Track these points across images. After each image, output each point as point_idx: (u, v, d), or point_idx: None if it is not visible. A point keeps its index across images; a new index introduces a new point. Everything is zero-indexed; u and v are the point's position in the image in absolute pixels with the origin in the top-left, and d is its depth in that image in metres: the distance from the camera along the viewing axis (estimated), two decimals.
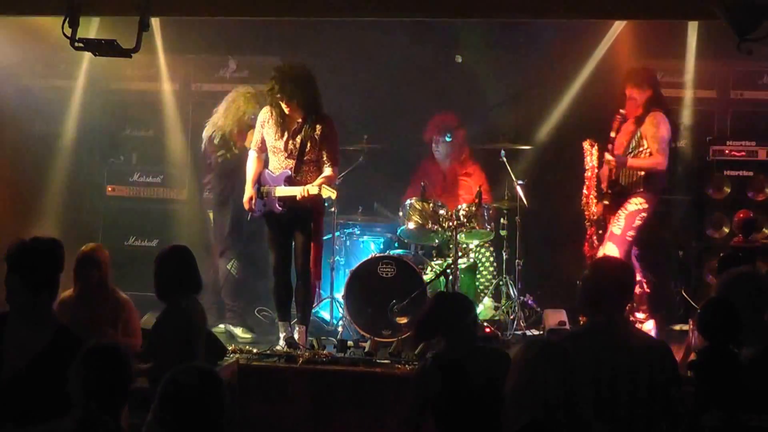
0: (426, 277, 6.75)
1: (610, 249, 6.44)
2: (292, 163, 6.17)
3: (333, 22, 7.18)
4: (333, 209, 7.19)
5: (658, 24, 7.14)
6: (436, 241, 7.14)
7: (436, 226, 6.88)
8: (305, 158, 6.18)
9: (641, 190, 6.49)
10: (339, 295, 6.97)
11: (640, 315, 6.53)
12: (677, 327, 7.02)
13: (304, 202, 6.08)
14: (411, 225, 6.92)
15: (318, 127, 6.14)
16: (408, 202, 6.98)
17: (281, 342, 6.27)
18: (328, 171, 6.17)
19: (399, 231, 7.09)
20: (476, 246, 7.35)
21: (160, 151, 8.29)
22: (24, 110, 7.91)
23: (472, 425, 3.74)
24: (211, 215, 7.19)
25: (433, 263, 7.10)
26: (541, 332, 6.84)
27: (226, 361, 5.70)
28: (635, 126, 6.56)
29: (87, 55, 7.38)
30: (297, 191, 6.05)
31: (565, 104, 7.87)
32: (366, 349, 6.18)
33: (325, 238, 7.02)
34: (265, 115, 6.29)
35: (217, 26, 7.64)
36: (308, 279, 6.27)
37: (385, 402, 5.73)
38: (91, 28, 6.92)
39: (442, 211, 6.91)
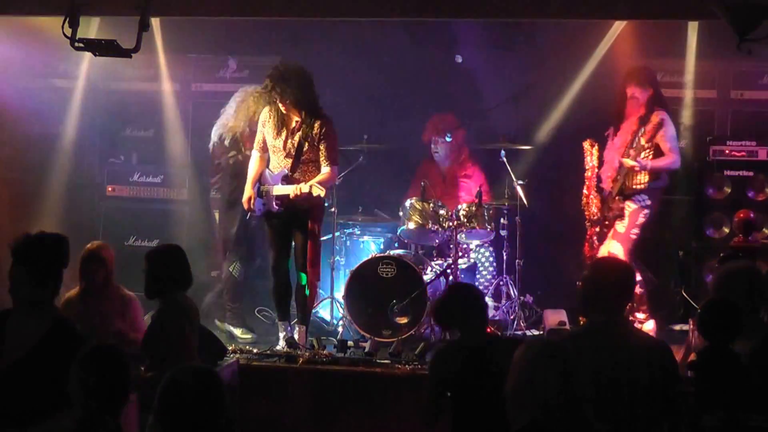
0: (426, 277, 6.76)
1: (614, 247, 6.44)
2: (289, 162, 6.18)
3: (333, 22, 7.19)
4: (333, 209, 7.19)
5: (658, 24, 7.14)
6: (436, 241, 7.14)
7: (436, 226, 6.88)
8: (303, 157, 6.18)
9: (645, 187, 6.50)
10: (339, 295, 6.98)
11: (640, 315, 6.52)
12: (677, 327, 7.01)
13: (302, 202, 6.08)
14: (411, 225, 6.92)
15: (316, 126, 6.14)
16: (408, 202, 6.98)
17: (281, 341, 6.28)
18: (326, 170, 6.16)
19: (399, 231, 7.09)
20: (476, 246, 7.35)
21: (160, 151, 8.28)
22: (24, 110, 7.91)
23: (489, 411, 3.79)
24: (216, 215, 7.17)
25: (433, 263, 7.11)
26: (541, 332, 6.84)
27: (226, 361, 5.70)
28: (638, 125, 6.55)
29: (87, 55, 7.38)
30: (290, 190, 6.06)
31: (565, 104, 7.86)
32: (366, 349, 6.18)
33: (325, 238, 7.04)
34: (265, 114, 6.31)
35: (217, 26, 7.63)
36: (308, 279, 6.27)
37: (385, 402, 5.74)
38: (91, 28, 6.93)
39: (442, 211, 6.91)
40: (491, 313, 7.12)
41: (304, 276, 6.25)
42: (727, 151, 7.48)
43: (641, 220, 6.49)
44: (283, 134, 6.22)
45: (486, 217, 6.94)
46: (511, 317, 7.01)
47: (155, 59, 8.13)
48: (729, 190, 7.39)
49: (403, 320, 6.63)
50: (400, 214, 7.02)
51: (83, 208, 8.20)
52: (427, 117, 7.61)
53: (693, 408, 3.77)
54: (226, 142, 6.91)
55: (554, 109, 7.90)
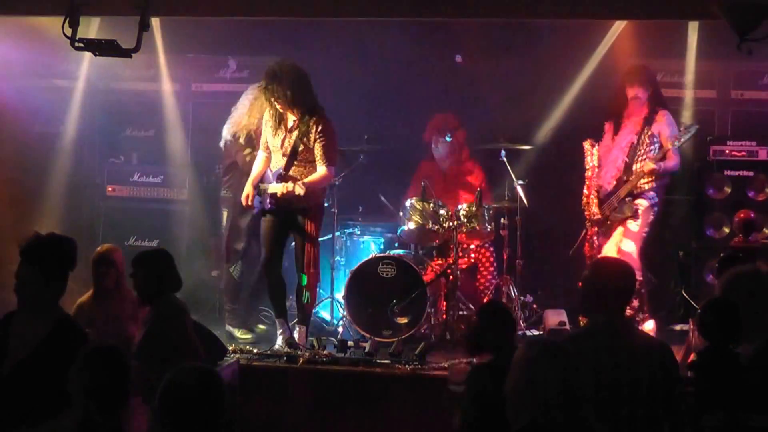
0: (426, 277, 6.76)
1: (628, 246, 6.44)
2: (285, 161, 6.19)
3: (333, 22, 7.19)
4: (334, 210, 7.19)
5: (658, 24, 7.13)
6: (436, 241, 7.14)
7: (436, 226, 6.87)
8: (298, 157, 6.18)
9: (654, 186, 6.51)
10: (339, 295, 6.97)
11: (640, 315, 6.53)
12: (677, 327, 7.01)
13: (297, 201, 6.09)
14: (411, 225, 6.91)
15: (312, 125, 6.13)
16: (408, 202, 6.97)
17: (279, 340, 6.28)
18: (321, 170, 6.15)
19: (399, 231, 7.09)
20: (476, 246, 7.35)
21: (160, 151, 8.28)
22: (24, 110, 7.91)
23: None
24: (225, 214, 7.16)
25: (433, 263, 7.11)
26: (541, 332, 6.83)
27: (226, 361, 5.70)
28: (642, 125, 6.55)
29: (87, 55, 7.38)
30: (279, 188, 6.06)
31: (565, 104, 7.86)
32: (366, 349, 6.17)
33: (325, 238, 7.04)
34: (267, 114, 6.33)
35: (217, 26, 7.63)
36: (307, 279, 6.27)
37: (385, 402, 5.74)
38: (91, 28, 6.92)
39: (442, 211, 6.90)
40: None
41: (304, 277, 6.26)
42: (727, 151, 7.48)
43: (651, 218, 6.53)
44: (281, 133, 6.23)
45: (486, 217, 6.94)
46: None
47: (155, 59, 8.13)
48: (729, 190, 7.39)
49: (403, 320, 6.63)
50: (401, 214, 7.02)
51: (83, 208, 8.20)
52: (427, 117, 7.61)
53: (693, 408, 3.77)
54: (241, 140, 6.89)
55: (554, 109, 7.90)
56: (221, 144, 7.07)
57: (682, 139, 6.41)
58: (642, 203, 6.51)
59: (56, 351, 3.83)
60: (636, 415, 3.71)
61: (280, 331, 6.32)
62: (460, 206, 6.96)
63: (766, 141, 7.47)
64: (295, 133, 6.17)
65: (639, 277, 6.47)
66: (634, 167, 6.55)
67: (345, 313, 6.79)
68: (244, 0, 6.26)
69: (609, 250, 6.48)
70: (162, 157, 8.25)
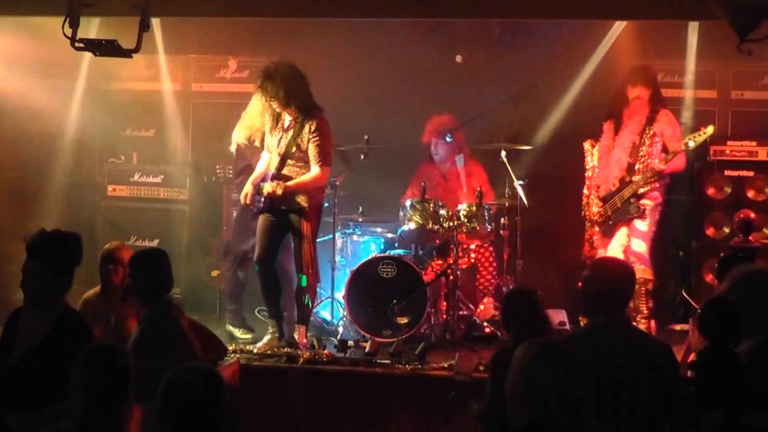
0: (426, 277, 6.76)
1: (638, 246, 6.45)
2: (279, 160, 6.20)
3: (333, 22, 7.19)
4: (334, 210, 7.19)
5: (658, 24, 7.14)
6: (437, 241, 7.13)
7: (436, 226, 6.87)
8: (292, 156, 6.18)
9: (656, 185, 6.51)
10: (339, 295, 6.97)
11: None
12: (677, 327, 7.01)
13: (293, 202, 6.12)
14: (411, 225, 6.91)
15: (307, 125, 6.14)
16: (408, 202, 6.97)
17: (265, 339, 6.32)
18: (315, 170, 6.15)
19: (399, 231, 7.09)
20: (476, 246, 7.35)
21: (160, 151, 8.28)
22: (24, 110, 7.91)
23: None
24: (234, 215, 7.15)
25: (433, 263, 7.11)
26: None
27: (226, 361, 5.70)
28: (645, 125, 6.55)
29: (87, 55, 7.37)
30: (266, 188, 6.09)
31: (565, 104, 7.86)
32: (366, 349, 6.17)
33: (325, 238, 7.04)
34: (267, 114, 6.33)
35: (217, 26, 7.64)
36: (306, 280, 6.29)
37: (385, 402, 5.74)
38: (91, 28, 6.91)
39: (442, 211, 6.90)
40: (491, 313, 7.13)
41: (304, 278, 6.26)
42: (727, 151, 7.47)
43: (657, 216, 6.55)
44: (277, 132, 6.23)
45: (486, 217, 6.94)
46: None
47: (155, 59, 8.13)
48: (729, 190, 7.38)
49: (404, 320, 6.63)
50: (401, 214, 7.01)
51: (83, 208, 8.21)
52: (427, 117, 7.60)
53: (693, 408, 3.77)
54: (257, 143, 6.87)
55: (554, 109, 7.90)
56: (232, 148, 7.06)
57: (697, 140, 6.39)
58: (648, 203, 6.52)
59: (60, 343, 3.89)
60: (636, 415, 3.70)
61: (271, 330, 6.33)
62: (460, 206, 6.95)
63: (766, 141, 7.46)
64: (290, 132, 6.18)
65: (651, 276, 6.50)
66: (636, 167, 6.55)
67: (345, 313, 6.79)
68: (244, 0, 6.26)
69: (614, 250, 6.48)
70: (162, 157, 8.26)
